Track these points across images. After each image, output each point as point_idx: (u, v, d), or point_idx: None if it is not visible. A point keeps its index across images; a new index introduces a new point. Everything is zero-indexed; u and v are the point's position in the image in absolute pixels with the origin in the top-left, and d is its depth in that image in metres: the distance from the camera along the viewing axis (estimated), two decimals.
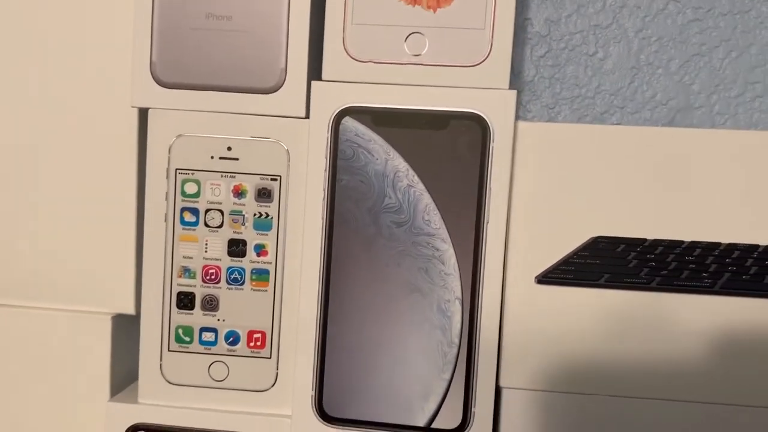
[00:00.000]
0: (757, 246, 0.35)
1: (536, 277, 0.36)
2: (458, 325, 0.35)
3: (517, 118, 0.36)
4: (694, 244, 0.36)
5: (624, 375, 0.36)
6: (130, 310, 0.39)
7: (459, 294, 0.35)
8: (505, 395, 0.36)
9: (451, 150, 0.35)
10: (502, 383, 0.36)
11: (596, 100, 0.43)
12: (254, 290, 0.38)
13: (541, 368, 0.36)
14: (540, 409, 0.36)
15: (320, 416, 0.36)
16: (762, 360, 0.35)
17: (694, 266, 0.36)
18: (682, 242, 0.36)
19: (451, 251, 0.35)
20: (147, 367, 0.39)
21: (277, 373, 0.38)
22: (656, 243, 0.36)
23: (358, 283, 0.36)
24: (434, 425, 0.36)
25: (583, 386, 0.36)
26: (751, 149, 0.35)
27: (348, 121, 0.35)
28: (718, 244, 0.36)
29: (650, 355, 0.36)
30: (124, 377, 0.41)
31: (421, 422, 0.36)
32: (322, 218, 0.36)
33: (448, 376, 0.35)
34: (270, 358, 0.38)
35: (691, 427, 0.36)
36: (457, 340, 0.35)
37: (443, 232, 0.35)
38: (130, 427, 0.39)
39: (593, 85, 0.43)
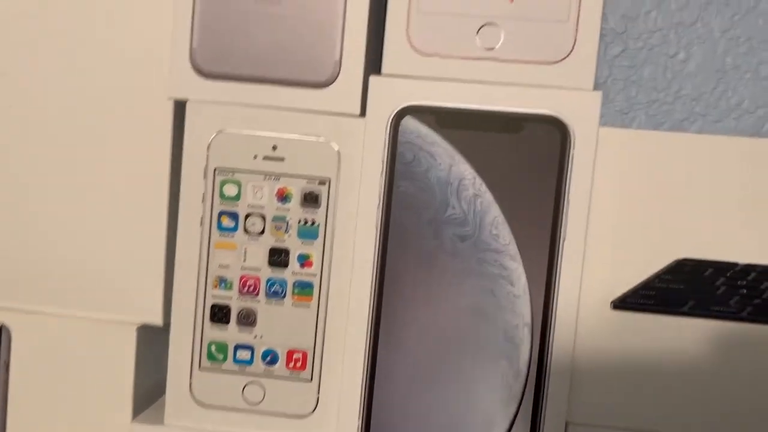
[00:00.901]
0: None
1: (612, 302, 0.33)
2: (526, 354, 0.31)
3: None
4: None
5: (707, 415, 0.32)
6: (158, 320, 0.36)
7: (528, 319, 0.31)
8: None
9: (525, 156, 0.31)
10: (570, 419, 0.32)
11: (675, 105, 0.39)
12: (296, 305, 0.34)
13: (615, 403, 0.33)
14: None
15: None
16: None
17: None
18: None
19: (521, 270, 0.31)
20: (175, 385, 0.35)
21: (318, 398, 0.35)
22: (749, 268, 0.33)
23: (414, 302, 0.32)
24: None
25: (661, 425, 0.32)
26: None
27: (409, 121, 0.32)
28: None
29: (738, 394, 0.32)
30: (149, 393, 0.38)
31: None
32: (376, 228, 0.32)
33: (512, 410, 0.31)
34: (311, 380, 0.35)
35: None
36: (524, 371, 0.31)
37: (513, 249, 0.31)
38: None
39: (673, 89, 0.39)
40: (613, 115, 0.39)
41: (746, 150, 0.33)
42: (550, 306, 0.31)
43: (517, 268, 0.32)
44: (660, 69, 0.39)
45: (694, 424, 0.32)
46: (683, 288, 0.33)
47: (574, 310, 0.32)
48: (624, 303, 0.33)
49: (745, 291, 0.33)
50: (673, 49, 0.39)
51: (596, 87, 0.38)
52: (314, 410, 0.35)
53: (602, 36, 0.38)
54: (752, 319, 0.32)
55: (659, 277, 0.33)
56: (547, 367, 0.32)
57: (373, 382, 0.33)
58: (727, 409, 0.32)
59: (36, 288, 0.37)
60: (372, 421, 0.33)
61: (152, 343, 0.38)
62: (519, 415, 0.32)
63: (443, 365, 0.32)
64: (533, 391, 0.32)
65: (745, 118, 0.39)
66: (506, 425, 0.32)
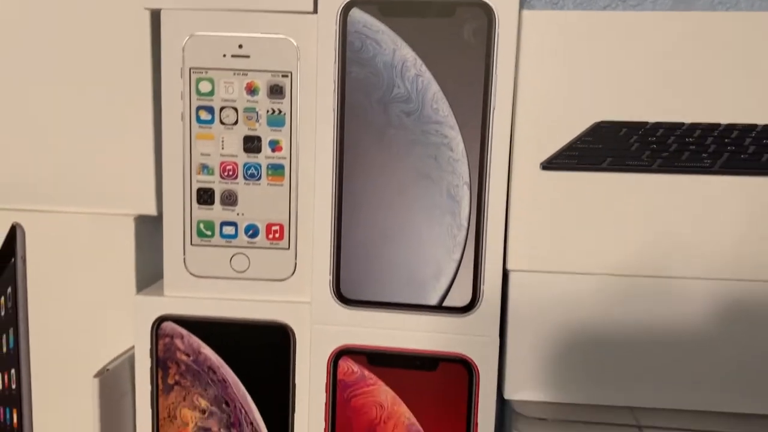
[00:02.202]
0: (755, 126, 0.37)
1: (541, 163, 0.38)
2: (467, 209, 0.37)
3: (522, 7, 0.36)
4: (694, 126, 0.37)
5: (628, 254, 0.38)
6: (152, 210, 0.41)
7: (467, 179, 0.37)
8: (513, 278, 0.38)
9: (458, 38, 0.36)
10: (509, 266, 0.38)
11: None
12: (271, 184, 0.39)
13: (547, 250, 0.38)
14: (545, 290, 0.38)
15: (338, 299, 0.38)
16: (761, 237, 0.37)
17: (694, 147, 0.37)
18: (682, 124, 0.37)
19: (459, 138, 0.37)
20: (171, 261, 0.41)
21: (295, 263, 0.40)
22: (657, 126, 0.37)
23: (370, 171, 0.37)
24: (445, 303, 0.38)
25: (588, 266, 0.38)
26: (749, 31, 0.36)
27: (356, 13, 0.36)
28: (718, 125, 0.37)
29: (653, 235, 0.37)
30: (149, 277, 0.43)
31: (433, 301, 0.38)
32: (333, 111, 0.37)
33: (458, 256, 0.37)
34: (288, 249, 0.40)
35: (685, 302, 0.37)
36: (465, 223, 0.37)
37: (451, 120, 0.36)
38: (158, 318, 0.41)
39: None
40: (544, 5, 0.44)
41: (658, 23, 0.37)
42: (485, 167, 0.37)
43: (455, 136, 0.37)
44: None
45: (613, 262, 0.38)
46: (602, 147, 0.38)
47: (505, 169, 0.37)
48: (551, 163, 0.38)
49: (655, 146, 0.38)
50: None
51: None
52: (293, 274, 0.40)
53: None
54: (661, 170, 0.37)
55: (581, 139, 0.38)
56: (485, 219, 0.37)
57: (340, 243, 0.38)
58: (641, 246, 0.37)
59: (44, 190, 0.42)
60: (341, 279, 0.39)
61: (149, 233, 0.43)
62: (464, 260, 0.37)
63: (398, 223, 0.38)
64: (474, 240, 0.37)
65: (661, 2, 0.43)
66: (453, 270, 0.38)
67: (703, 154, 0.37)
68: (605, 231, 0.38)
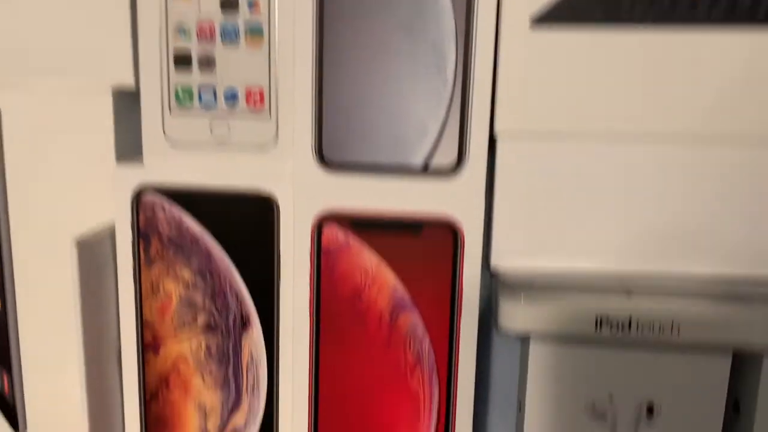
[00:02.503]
0: None
1: (531, 18, 0.36)
2: (452, 64, 0.35)
3: None
4: None
5: (621, 110, 0.36)
6: (129, 79, 0.40)
7: (453, 32, 0.35)
8: (501, 139, 0.37)
9: None
10: (497, 126, 0.37)
11: None
12: (249, 47, 0.38)
13: (537, 110, 0.37)
14: (534, 154, 0.37)
15: (321, 163, 0.37)
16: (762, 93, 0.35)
17: None
18: None
19: None
20: (150, 130, 0.40)
21: (277, 130, 0.39)
22: None
23: (351, 26, 0.36)
24: (430, 164, 0.37)
25: (579, 125, 0.37)
26: None
27: None
28: None
29: (647, 95, 0.36)
30: (129, 152, 0.42)
31: (418, 161, 0.37)
32: None
33: (443, 114, 0.36)
34: (269, 114, 0.39)
35: (683, 166, 0.36)
36: (451, 79, 0.36)
37: None
38: (138, 188, 0.40)
39: None
40: None
41: None
42: (472, 17, 0.35)
43: None
44: None
45: (606, 120, 0.36)
46: (594, 1, 0.36)
47: (493, 22, 0.35)
48: (542, 18, 0.36)
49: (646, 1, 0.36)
50: None
51: None
52: (275, 141, 0.39)
53: None
54: (655, 23, 0.36)
55: None
56: (471, 73, 0.36)
57: (321, 107, 0.37)
58: (635, 102, 0.36)
59: (19, 61, 0.40)
60: (323, 142, 0.38)
61: (128, 108, 0.42)
62: (449, 120, 0.36)
63: (381, 82, 0.36)
64: (460, 97, 0.36)
65: None
66: (438, 128, 0.36)
67: (701, 6, 0.35)
68: (596, 90, 0.36)
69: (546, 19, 0.36)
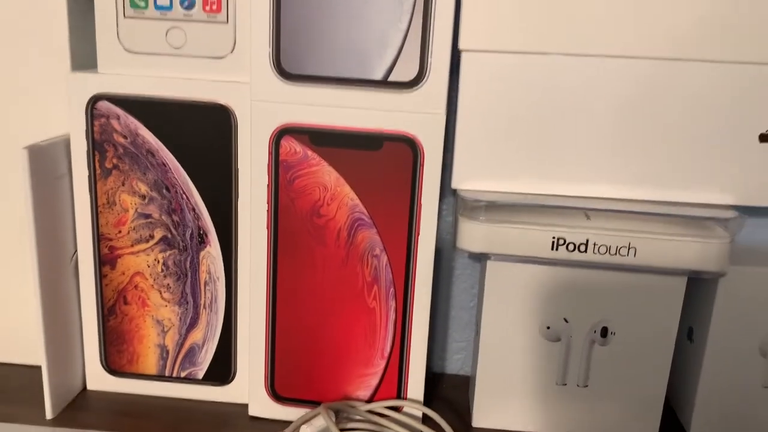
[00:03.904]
0: None
1: None
2: None
3: None
4: None
5: (589, 29, 0.35)
6: None
7: None
8: (465, 56, 0.36)
9: None
10: (461, 45, 0.36)
11: None
12: None
13: (501, 26, 0.36)
14: (498, 71, 0.36)
15: (279, 74, 0.36)
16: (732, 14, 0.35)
17: None
18: None
19: None
20: (104, 36, 0.38)
21: (235, 39, 0.38)
22: None
23: None
24: (391, 78, 0.36)
25: (543, 44, 0.36)
26: None
27: None
28: None
29: (608, 10, 0.35)
30: (85, 59, 0.41)
31: (378, 75, 0.36)
32: None
33: (404, 26, 0.35)
34: (227, 22, 0.37)
35: (644, 83, 0.36)
36: None
37: None
38: (92, 97, 0.39)
39: None
40: None
41: None
42: None
43: None
44: None
45: (580, 30, 0.35)
46: None
47: None
48: None
49: None
50: None
51: None
52: (232, 51, 0.38)
53: None
54: None
55: None
56: None
57: (280, 16, 0.36)
58: (606, 18, 0.35)
59: None
60: (281, 52, 0.36)
61: (82, 10, 0.40)
62: (410, 32, 0.35)
63: None
64: (422, 7, 0.35)
65: None
66: (399, 42, 0.35)
67: None
68: (563, 9, 0.35)
69: None
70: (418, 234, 0.38)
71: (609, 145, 0.37)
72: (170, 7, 0.37)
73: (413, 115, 0.36)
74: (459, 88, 0.37)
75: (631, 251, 0.36)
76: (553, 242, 0.36)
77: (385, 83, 0.36)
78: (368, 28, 0.35)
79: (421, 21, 0.35)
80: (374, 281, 0.38)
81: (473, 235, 0.37)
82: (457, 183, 0.38)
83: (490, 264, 0.38)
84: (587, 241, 0.36)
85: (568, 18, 0.35)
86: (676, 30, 0.35)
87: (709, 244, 0.35)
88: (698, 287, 0.40)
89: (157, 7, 0.37)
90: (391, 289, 0.38)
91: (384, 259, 0.38)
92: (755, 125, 0.36)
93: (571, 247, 0.36)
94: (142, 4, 0.37)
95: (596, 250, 0.36)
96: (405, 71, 0.36)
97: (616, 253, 0.36)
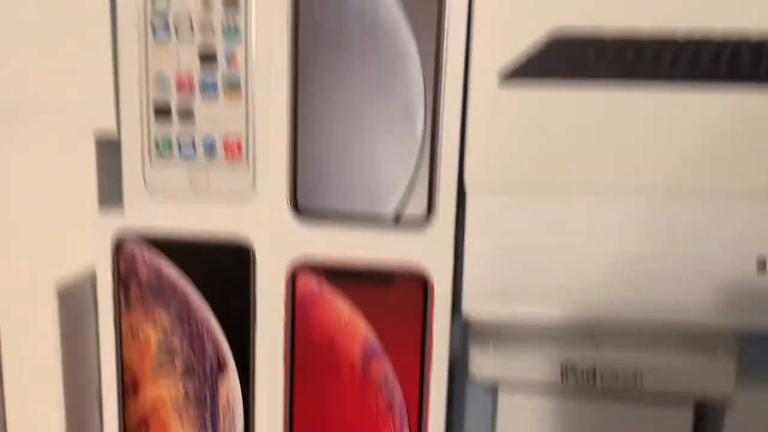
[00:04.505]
0: (713, 31, 0.36)
1: (499, 75, 0.37)
2: (422, 119, 0.36)
3: None
4: (653, 35, 0.36)
5: (591, 167, 0.37)
6: (111, 123, 0.41)
7: (422, 92, 0.36)
8: (470, 193, 0.38)
9: None
10: (467, 181, 0.38)
11: None
12: (227, 99, 0.39)
13: (505, 166, 0.37)
14: (503, 208, 0.38)
15: (296, 212, 0.38)
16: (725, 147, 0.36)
17: (652, 56, 0.36)
18: (639, 35, 0.36)
19: (415, 51, 0.36)
20: (130, 179, 0.41)
21: (254, 179, 0.40)
22: (616, 35, 0.37)
23: (325, 83, 0.37)
24: (401, 215, 0.37)
25: (547, 176, 0.37)
26: None
27: None
28: (677, 32, 0.36)
29: (614, 150, 0.37)
30: (112, 196, 0.43)
31: (389, 210, 0.38)
32: (288, 22, 0.37)
33: (412, 168, 0.37)
34: (247, 164, 0.40)
35: (646, 217, 0.37)
36: (420, 135, 0.37)
37: (406, 30, 0.36)
38: (118, 237, 0.41)
39: None
40: None
41: None
42: (440, 79, 0.36)
43: (411, 50, 0.36)
44: None
45: (575, 176, 0.37)
46: (559, 58, 0.37)
47: (461, 81, 0.36)
48: (509, 76, 0.37)
49: (614, 57, 0.37)
50: None
51: None
52: (252, 190, 0.40)
53: None
54: (620, 79, 0.37)
55: (538, 49, 0.37)
56: (440, 130, 0.37)
57: (297, 158, 0.38)
58: (603, 158, 0.37)
59: (9, 110, 0.41)
60: (298, 192, 0.38)
61: (111, 156, 0.42)
62: (419, 174, 0.37)
63: (354, 135, 0.37)
64: (429, 152, 0.37)
65: None
66: (407, 182, 0.37)
67: (662, 64, 0.36)
68: (563, 144, 0.37)
69: (513, 75, 0.37)
70: (431, 365, 0.39)
71: (612, 271, 0.38)
72: (194, 152, 0.40)
73: (423, 251, 0.38)
74: (466, 219, 0.38)
75: (638, 379, 0.36)
76: (562, 370, 0.37)
77: (396, 220, 0.38)
78: (379, 167, 0.37)
79: (428, 162, 0.37)
80: (388, 412, 0.39)
81: (485, 364, 0.38)
82: (466, 307, 0.39)
83: (501, 393, 0.39)
84: (594, 369, 0.37)
85: (574, 154, 0.37)
86: (663, 165, 0.36)
87: (715, 369, 0.36)
88: (705, 410, 0.40)
89: (182, 153, 0.40)
90: (405, 421, 0.39)
91: (398, 390, 0.39)
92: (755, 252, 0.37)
93: (579, 375, 0.37)
94: (167, 150, 0.40)
95: (603, 378, 0.37)
96: (415, 208, 0.37)
97: (623, 381, 0.37)
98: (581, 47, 0.37)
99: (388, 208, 0.37)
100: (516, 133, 0.37)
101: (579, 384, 0.37)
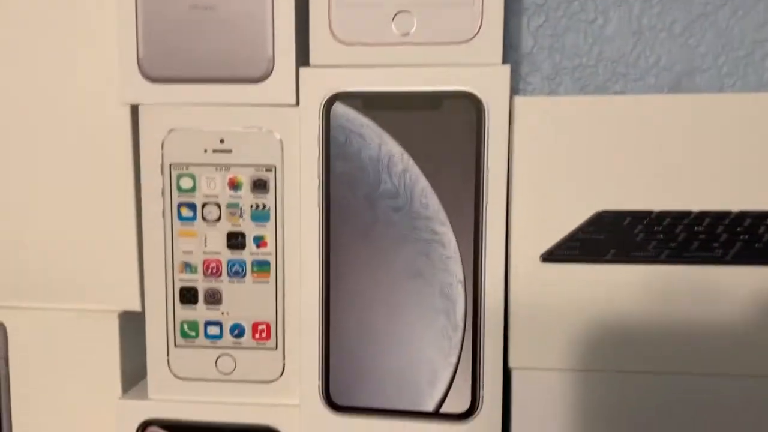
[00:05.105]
0: None
1: (541, 256, 0.36)
2: (462, 309, 0.35)
3: (515, 92, 0.35)
4: (703, 214, 0.35)
5: (635, 349, 0.35)
6: (136, 306, 0.39)
7: (461, 277, 0.35)
8: (516, 377, 0.36)
9: (446, 130, 0.34)
10: (512, 364, 0.36)
11: (598, 68, 0.41)
12: (256, 282, 0.38)
13: (551, 347, 0.36)
14: (552, 389, 0.36)
15: (328, 405, 0.36)
16: None
17: (703, 237, 0.35)
18: (690, 212, 0.35)
19: (451, 234, 0.35)
20: (155, 363, 0.39)
21: (284, 364, 0.38)
22: (663, 214, 0.35)
23: (358, 270, 0.35)
24: (442, 410, 0.35)
25: (594, 363, 0.36)
26: (759, 111, 0.34)
27: (338, 107, 0.35)
28: (728, 213, 0.34)
29: (661, 329, 0.35)
30: (135, 373, 0.41)
31: (429, 407, 0.35)
32: (319, 207, 0.36)
33: (454, 360, 0.35)
34: (276, 349, 0.38)
35: (706, 399, 0.35)
36: (461, 324, 0.35)
37: (441, 215, 0.34)
38: (142, 423, 0.39)
39: (594, 53, 0.41)
40: (541, 82, 0.42)
41: (661, 106, 0.35)
42: (480, 263, 0.35)
43: (447, 232, 0.35)
44: (581, 35, 0.41)
45: (621, 358, 0.35)
46: (604, 238, 0.36)
47: (502, 265, 0.35)
48: (552, 255, 0.36)
49: (661, 236, 0.35)
50: (591, 15, 0.41)
51: (523, 57, 0.41)
52: (281, 375, 0.38)
53: (525, 9, 0.41)
54: (669, 261, 0.35)
55: (582, 229, 0.36)
56: (482, 319, 0.35)
57: (329, 345, 0.36)
58: (650, 341, 0.35)
59: (27, 287, 0.40)
60: (331, 380, 0.36)
61: (134, 328, 0.41)
62: (460, 364, 0.35)
63: (389, 324, 0.35)
64: (471, 342, 0.35)
65: (663, 75, 0.41)
66: (450, 374, 0.35)
67: (714, 244, 0.35)
68: (610, 325, 0.35)
69: (555, 258, 0.35)
70: None
71: None
72: (221, 335, 0.38)
73: None
74: (512, 405, 0.36)
75: None
76: None
77: (436, 415, 0.35)
78: (417, 361, 0.35)
79: (470, 355, 0.35)
80: None
81: None
82: None
83: None
84: None
85: (619, 338, 0.35)
86: (713, 349, 0.34)
87: None
88: None
89: (208, 336, 0.38)
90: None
91: None
92: None
93: None
94: (193, 333, 0.38)
95: None
96: (457, 403, 0.35)
97: None
98: (628, 226, 0.35)
99: (429, 404, 0.35)
100: (562, 314, 0.35)
101: None
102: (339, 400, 0.36)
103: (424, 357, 0.35)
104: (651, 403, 0.35)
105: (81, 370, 0.41)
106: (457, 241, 0.35)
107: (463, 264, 0.35)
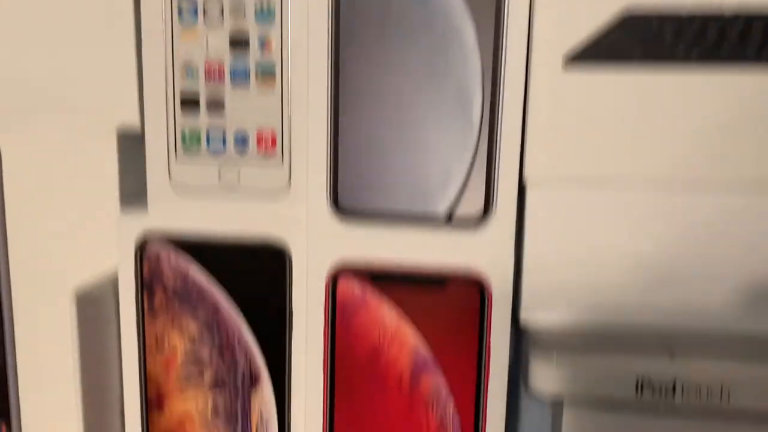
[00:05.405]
0: None
1: (564, 57, 0.33)
2: (479, 107, 0.33)
3: None
4: (735, 16, 0.33)
5: (660, 158, 0.34)
6: (135, 119, 0.37)
7: (479, 74, 0.33)
8: (531, 186, 0.34)
9: None
10: (527, 173, 0.34)
11: None
12: (261, 88, 0.36)
13: (570, 156, 0.34)
14: (567, 202, 0.34)
15: (336, 212, 0.35)
16: None
17: (736, 37, 0.33)
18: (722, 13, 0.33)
19: (472, 29, 0.32)
20: (155, 175, 0.37)
21: (290, 175, 0.36)
22: (693, 14, 0.33)
23: (369, 67, 0.33)
24: (454, 214, 0.34)
25: (615, 176, 0.34)
26: None
27: None
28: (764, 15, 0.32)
29: (686, 135, 0.33)
30: (134, 196, 0.40)
31: (441, 210, 0.34)
32: (328, 2, 0.33)
33: (468, 160, 0.33)
34: (282, 160, 0.36)
35: (725, 213, 0.34)
36: (477, 123, 0.33)
37: (461, 7, 0.32)
38: (142, 237, 0.37)
39: None
40: None
41: None
42: (500, 59, 0.33)
43: (467, 26, 0.33)
44: None
45: (642, 169, 0.34)
46: (631, 39, 0.33)
47: (523, 62, 0.33)
48: (575, 59, 0.34)
49: (691, 38, 0.33)
50: None
51: None
52: (287, 187, 0.37)
53: None
54: (697, 63, 0.33)
55: (607, 30, 0.34)
56: (499, 118, 0.33)
57: (337, 148, 0.35)
58: (675, 149, 0.33)
59: (23, 101, 0.38)
60: (339, 189, 0.35)
61: (133, 150, 0.39)
62: (474, 166, 0.34)
63: (401, 126, 0.34)
64: (487, 143, 0.33)
65: None
66: (463, 177, 0.34)
67: (748, 45, 0.33)
68: (633, 134, 0.34)
69: (580, 57, 0.33)
70: (488, 379, 0.35)
71: (690, 275, 0.34)
72: (223, 146, 0.36)
73: (479, 254, 0.34)
74: (525, 216, 0.35)
75: (725, 394, 0.33)
76: (637, 385, 0.33)
77: (448, 220, 0.34)
78: (430, 162, 0.34)
79: (486, 155, 0.33)
80: (440, 430, 0.36)
81: (548, 378, 0.34)
82: (525, 314, 0.36)
83: (566, 408, 0.35)
84: (674, 382, 0.33)
85: (637, 144, 0.33)
86: (744, 157, 0.33)
87: None
88: None
89: (210, 146, 0.36)
90: None
91: (451, 406, 0.35)
92: None
93: (657, 389, 0.33)
94: (195, 144, 0.36)
95: (685, 393, 0.33)
96: (470, 207, 0.34)
97: (707, 397, 0.33)
98: (656, 28, 0.33)
99: (440, 206, 0.34)
100: (582, 121, 0.34)
101: (656, 399, 0.33)
102: (348, 205, 0.35)
103: (437, 158, 0.34)
104: (676, 218, 0.34)
105: (79, 191, 0.39)
106: (477, 35, 0.32)
107: (482, 60, 0.33)
